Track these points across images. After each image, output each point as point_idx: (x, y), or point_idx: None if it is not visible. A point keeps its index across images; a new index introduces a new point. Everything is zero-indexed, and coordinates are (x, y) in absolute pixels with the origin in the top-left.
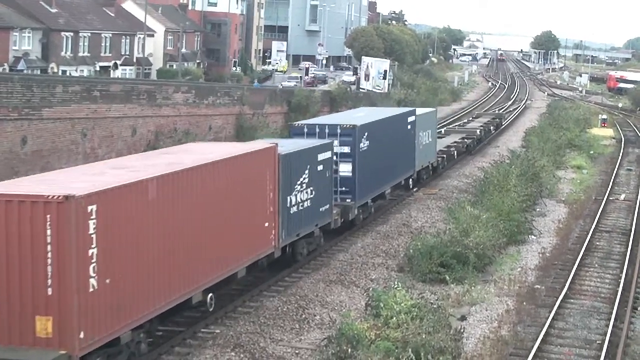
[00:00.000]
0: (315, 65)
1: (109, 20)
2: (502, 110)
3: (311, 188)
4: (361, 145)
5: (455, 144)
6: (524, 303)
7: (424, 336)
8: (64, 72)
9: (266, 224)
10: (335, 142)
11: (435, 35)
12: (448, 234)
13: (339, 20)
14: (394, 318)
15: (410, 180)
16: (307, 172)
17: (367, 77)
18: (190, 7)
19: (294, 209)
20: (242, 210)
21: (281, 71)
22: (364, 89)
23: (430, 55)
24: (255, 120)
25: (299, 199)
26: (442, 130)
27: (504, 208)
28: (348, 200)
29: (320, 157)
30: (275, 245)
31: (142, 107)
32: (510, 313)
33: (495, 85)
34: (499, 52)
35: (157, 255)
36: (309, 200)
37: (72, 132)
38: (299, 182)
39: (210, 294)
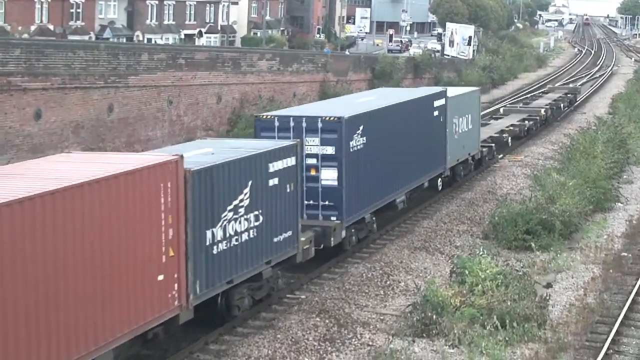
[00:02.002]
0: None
1: None
2: (588, 76)
3: (256, 212)
4: (352, 143)
5: (510, 128)
6: (611, 271)
7: (509, 303)
8: (149, 40)
9: (160, 277)
10: (316, 141)
11: (520, 0)
12: (534, 201)
13: None
14: (479, 285)
15: (440, 180)
16: (246, 191)
17: (451, 43)
18: None
19: (221, 246)
20: (107, 264)
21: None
22: (448, 55)
23: (516, 21)
24: (339, 87)
25: (230, 232)
26: (501, 109)
27: (590, 175)
28: (333, 218)
29: (274, 166)
30: (182, 305)
31: (227, 75)
32: (597, 281)
33: (582, 51)
34: (585, 17)
35: None
36: (251, 231)
37: (158, 100)
38: (230, 208)
39: None
